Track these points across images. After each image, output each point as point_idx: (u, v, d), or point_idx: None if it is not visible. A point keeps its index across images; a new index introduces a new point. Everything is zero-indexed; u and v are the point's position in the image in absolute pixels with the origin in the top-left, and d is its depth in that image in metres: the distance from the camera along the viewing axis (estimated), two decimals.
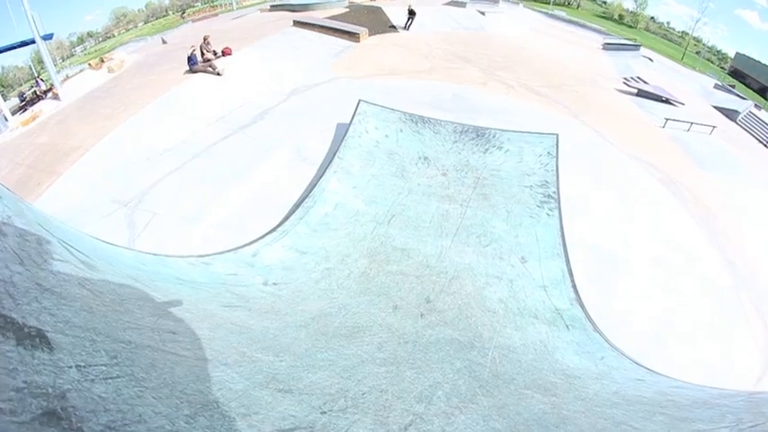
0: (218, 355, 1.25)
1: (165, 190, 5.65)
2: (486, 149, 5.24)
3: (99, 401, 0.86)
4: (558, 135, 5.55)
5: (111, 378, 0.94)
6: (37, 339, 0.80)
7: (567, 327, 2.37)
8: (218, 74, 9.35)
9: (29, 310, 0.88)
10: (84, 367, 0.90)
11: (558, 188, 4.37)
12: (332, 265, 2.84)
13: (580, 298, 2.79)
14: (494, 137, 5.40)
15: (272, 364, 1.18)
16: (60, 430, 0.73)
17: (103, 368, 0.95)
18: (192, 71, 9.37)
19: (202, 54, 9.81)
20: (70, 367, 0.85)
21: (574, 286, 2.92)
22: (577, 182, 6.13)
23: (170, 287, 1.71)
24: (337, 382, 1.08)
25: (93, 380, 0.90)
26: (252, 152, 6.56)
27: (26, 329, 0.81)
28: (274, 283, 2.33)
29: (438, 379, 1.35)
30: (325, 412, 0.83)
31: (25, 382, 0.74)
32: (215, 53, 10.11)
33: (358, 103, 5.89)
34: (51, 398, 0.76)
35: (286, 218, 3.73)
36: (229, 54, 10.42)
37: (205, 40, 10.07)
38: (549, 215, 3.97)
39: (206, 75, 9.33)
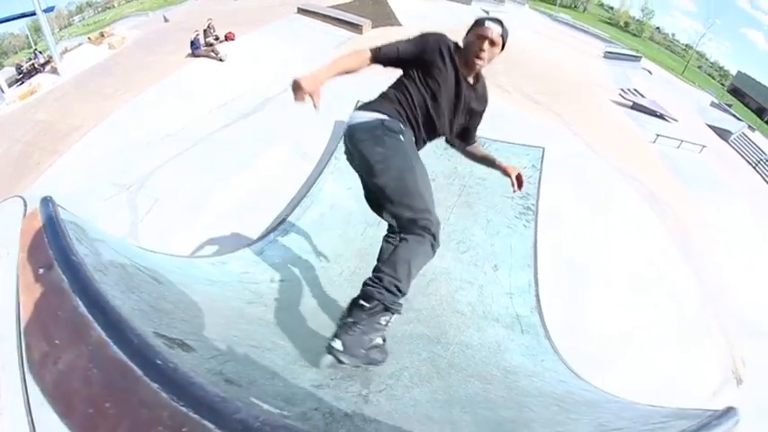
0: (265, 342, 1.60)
1: (167, 176, 5.82)
2: None
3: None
4: (544, 148, 5.77)
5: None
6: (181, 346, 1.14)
7: (522, 332, 2.71)
8: (221, 59, 9.39)
9: (162, 325, 1.19)
10: (215, 357, 1.25)
11: (537, 201, 4.65)
12: (326, 264, 3.14)
13: (540, 306, 3.13)
14: (483, 146, 5.64)
15: (292, 350, 1.61)
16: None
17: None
18: (194, 55, 9.41)
19: (205, 38, 9.80)
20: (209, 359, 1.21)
21: (537, 295, 3.25)
22: (559, 193, 6.17)
23: (206, 289, 2.00)
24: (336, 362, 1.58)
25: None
26: (252, 142, 6.67)
27: (175, 340, 1.14)
28: (281, 280, 2.64)
29: (406, 365, 1.75)
30: (333, 379, 1.40)
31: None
32: (217, 38, 10.11)
33: (356, 104, 6.07)
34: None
35: (287, 215, 3.99)
36: (232, 39, 10.41)
37: (208, 24, 10.06)
38: (525, 226, 4.27)
39: (208, 60, 9.37)
